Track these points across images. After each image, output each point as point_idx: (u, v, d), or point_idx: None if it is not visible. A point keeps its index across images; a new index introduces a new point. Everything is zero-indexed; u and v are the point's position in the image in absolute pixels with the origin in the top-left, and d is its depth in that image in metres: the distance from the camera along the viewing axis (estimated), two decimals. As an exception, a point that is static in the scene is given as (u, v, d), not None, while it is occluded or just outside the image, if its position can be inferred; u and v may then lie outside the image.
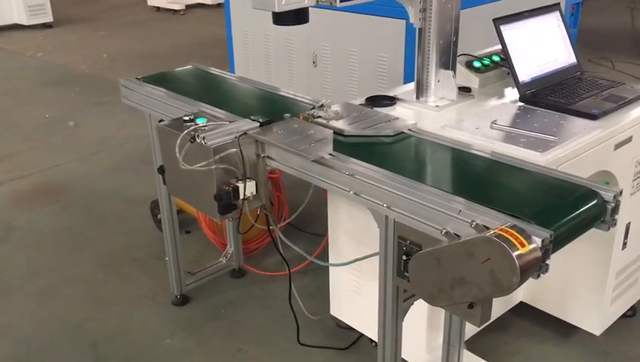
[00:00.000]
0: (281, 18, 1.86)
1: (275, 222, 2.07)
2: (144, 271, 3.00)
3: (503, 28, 2.20)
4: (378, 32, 3.85)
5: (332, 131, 1.88)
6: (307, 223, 3.03)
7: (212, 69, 2.69)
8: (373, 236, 1.92)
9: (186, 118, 2.01)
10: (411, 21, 2.13)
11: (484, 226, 1.39)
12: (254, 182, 1.93)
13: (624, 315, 2.49)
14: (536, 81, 2.24)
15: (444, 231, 1.47)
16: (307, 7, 1.87)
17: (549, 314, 2.46)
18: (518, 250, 1.27)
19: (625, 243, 2.26)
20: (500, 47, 2.54)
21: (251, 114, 2.06)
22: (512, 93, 2.31)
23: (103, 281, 2.95)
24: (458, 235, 1.45)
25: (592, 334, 2.38)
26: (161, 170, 2.11)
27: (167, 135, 1.99)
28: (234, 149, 1.85)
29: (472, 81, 2.36)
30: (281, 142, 1.83)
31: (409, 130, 1.93)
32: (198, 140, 1.84)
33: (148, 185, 3.32)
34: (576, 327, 2.42)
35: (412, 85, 2.42)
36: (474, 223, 1.41)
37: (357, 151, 1.81)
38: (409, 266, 1.51)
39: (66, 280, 2.96)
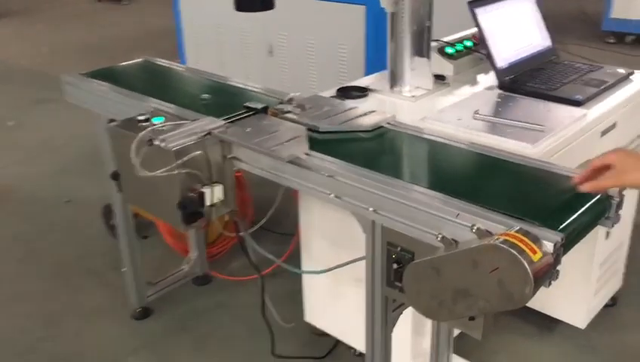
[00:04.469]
0: (245, 3, 1.68)
1: (245, 229, 1.90)
2: (100, 283, 2.78)
3: (478, 11, 2.08)
4: (337, 20, 3.69)
5: (305, 128, 1.73)
6: (274, 222, 2.84)
7: (165, 61, 2.49)
8: (350, 238, 1.78)
9: (141, 118, 1.81)
10: (383, 5, 1.98)
11: (487, 231, 1.26)
12: (221, 186, 1.76)
13: (605, 305, 2.43)
14: (514, 67, 2.13)
15: (439, 236, 1.33)
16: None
17: (532, 309, 2.38)
18: (529, 257, 1.14)
19: (608, 233, 2.18)
20: (469, 31, 2.43)
21: (213, 110, 1.89)
22: (487, 80, 2.20)
23: (54, 296, 2.72)
24: (456, 241, 1.31)
25: (576, 327, 2.31)
26: (115, 176, 1.90)
27: (120, 137, 1.79)
28: (198, 151, 1.67)
29: (446, 68, 2.22)
30: (250, 142, 1.66)
31: (387, 123, 1.79)
32: (157, 143, 1.65)
33: (98, 189, 3.08)
34: (560, 321, 2.34)
35: (383, 74, 2.28)
36: (475, 227, 1.28)
37: (334, 148, 1.65)
38: (404, 278, 1.36)
39: (13, 297, 2.72)
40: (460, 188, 1.42)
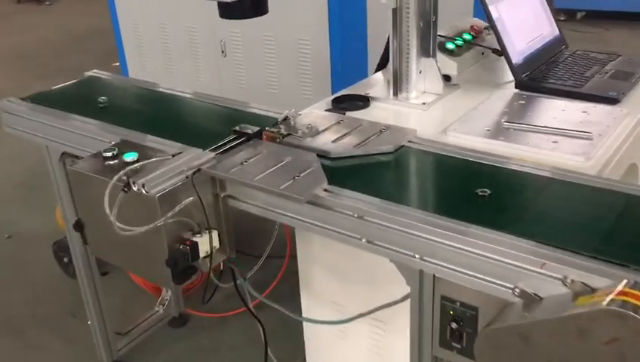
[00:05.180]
0: (232, 9, 1.36)
1: (244, 277, 1.58)
2: (57, 334, 2.40)
3: (488, 1, 1.81)
4: (296, 12, 3.38)
5: (315, 155, 1.42)
6: (245, 241, 2.54)
7: (119, 77, 2.12)
8: (360, 268, 1.54)
9: (108, 154, 1.47)
10: (383, 1, 1.69)
11: (586, 285, 1.00)
12: (217, 231, 1.44)
13: None
14: (529, 61, 1.88)
15: (516, 290, 1.07)
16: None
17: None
18: (660, 323, 0.89)
19: None
20: (463, 23, 2.18)
21: (194, 137, 1.57)
22: (496, 77, 1.95)
23: (1, 354, 2.33)
24: (539, 296, 1.05)
25: None
26: (79, 227, 1.55)
27: (85, 182, 1.44)
28: (189, 199, 1.34)
29: (449, 66, 1.96)
30: (252, 178, 1.34)
31: (409, 141, 1.51)
32: (136, 188, 1.32)
33: (42, 219, 2.70)
34: None
35: (377, 78, 2.00)
36: (569, 280, 1.02)
37: (354, 179, 1.36)
38: (476, 345, 1.09)
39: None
40: (529, 223, 1.16)
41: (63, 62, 5.60)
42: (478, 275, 1.12)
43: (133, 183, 1.32)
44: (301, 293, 1.92)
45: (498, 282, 1.10)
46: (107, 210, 1.31)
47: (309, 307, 1.91)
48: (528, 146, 1.46)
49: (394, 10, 1.71)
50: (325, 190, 1.30)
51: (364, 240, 1.25)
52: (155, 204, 1.31)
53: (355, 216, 1.24)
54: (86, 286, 2.09)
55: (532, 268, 1.05)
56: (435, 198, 1.30)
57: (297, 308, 1.83)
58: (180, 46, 3.88)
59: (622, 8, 6.08)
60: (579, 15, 6.08)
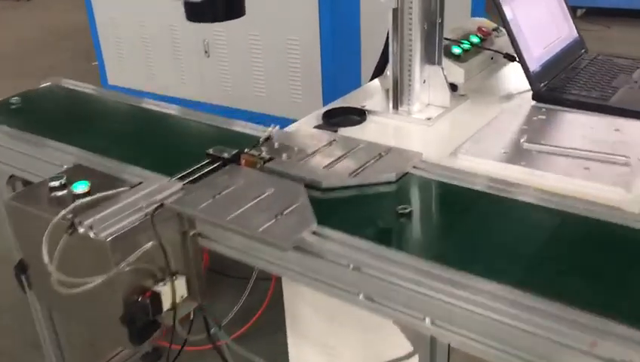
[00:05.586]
0: (201, 10, 1.12)
1: (219, 325, 1.34)
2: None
3: (502, 0, 1.58)
4: (284, 9, 3.14)
5: (303, 185, 1.19)
6: (225, 263, 2.31)
7: (84, 85, 1.87)
8: (353, 311, 1.28)
9: (55, 184, 1.23)
10: (382, 0, 1.45)
11: (652, 373, 0.78)
12: (184, 277, 1.20)
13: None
14: (547, 69, 1.65)
15: (557, 372, 0.84)
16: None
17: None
18: None
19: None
20: (468, 23, 1.96)
21: (162, 160, 1.33)
22: (509, 86, 1.73)
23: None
24: (587, 381, 0.82)
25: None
26: (22, 269, 1.31)
27: (25, 217, 1.20)
28: (148, 244, 1.10)
29: (456, 73, 1.73)
30: (225, 216, 1.10)
31: (414, 166, 1.27)
32: (82, 230, 1.08)
33: (3, 244, 2.44)
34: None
35: (374, 87, 1.77)
36: (628, 365, 0.79)
37: (348, 216, 1.13)
38: None
39: None
40: (575, 285, 0.92)
41: (40, 61, 5.33)
42: (507, 349, 0.89)
43: (80, 223, 1.08)
44: (287, 328, 1.69)
45: (527, 356, 0.87)
46: (45, 258, 1.07)
47: (296, 349, 1.67)
48: (556, 174, 1.23)
49: (394, 11, 1.47)
50: (314, 232, 1.06)
51: (361, 296, 1.02)
52: (106, 250, 1.07)
53: (351, 266, 1.01)
54: (40, 318, 1.84)
55: (574, 345, 0.83)
56: (451, 244, 1.06)
57: (284, 339, 1.60)
58: (161, 46, 3.63)
59: (623, 5, 5.88)
60: (579, 12, 5.86)
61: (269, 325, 1.73)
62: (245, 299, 1.65)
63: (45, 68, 5.08)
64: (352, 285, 1.02)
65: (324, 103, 3.29)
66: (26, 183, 1.52)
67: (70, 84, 1.87)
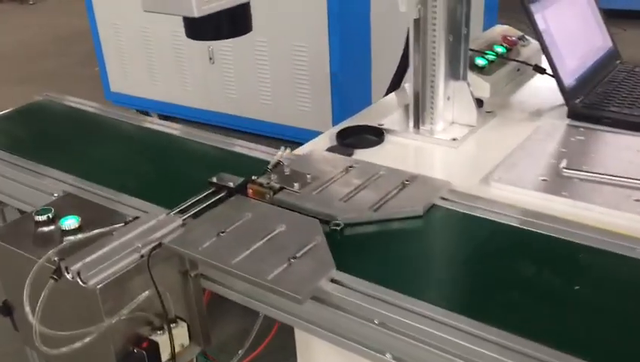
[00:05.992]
0: (203, 27, 0.99)
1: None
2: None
3: (534, 8, 1.44)
4: (291, 14, 3.00)
5: (318, 221, 1.05)
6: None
7: (78, 101, 1.73)
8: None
9: (40, 218, 1.10)
10: (402, 9, 1.32)
11: None
12: (185, 324, 1.07)
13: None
14: (582, 83, 1.51)
15: None
16: (247, 7, 1.00)
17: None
18: None
19: None
20: (491, 32, 1.83)
21: (161, 189, 1.21)
22: (539, 101, 1.58)
23: None
24: None
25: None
26: (7, 310, 1.18)
27: (7, 256, 1.07)
28: (146, 293, 0.97)
29: (481, 88, 1.59)
30: (233, 261, 0.97)
31: (441, 197, 1.13)
32: (70, 276, 0.95)
33: None
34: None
35: (391, 102, 1.63)
36: None
37: (370, 258, 0.99)
38: None
39: None
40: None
41: (44, 65, 5.22)
42: None
43: (66, 269, 0.95)
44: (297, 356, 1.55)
45: None
46: (26, 308, 0.94)
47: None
48: (603, 207, 1.09)
49: (416, 21, 1.33)
50: (332, 280, 0.93)
51: (388, 355, 0.89)
52: (97, 300, 0.94)
53: (376, 322, 0.88)
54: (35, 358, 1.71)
55: None
56: (494, 298, 0.92)
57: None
58: (164, 52, 3.50)
59: (639, 7, 5.71)
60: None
61: (278, 351, 1.59)
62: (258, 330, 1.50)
63: (48, 73, 4.96)
64: (377, 342, 0.89)
65: (333, 112, 3.17)
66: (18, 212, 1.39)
67: (64, 99, 1.74)
